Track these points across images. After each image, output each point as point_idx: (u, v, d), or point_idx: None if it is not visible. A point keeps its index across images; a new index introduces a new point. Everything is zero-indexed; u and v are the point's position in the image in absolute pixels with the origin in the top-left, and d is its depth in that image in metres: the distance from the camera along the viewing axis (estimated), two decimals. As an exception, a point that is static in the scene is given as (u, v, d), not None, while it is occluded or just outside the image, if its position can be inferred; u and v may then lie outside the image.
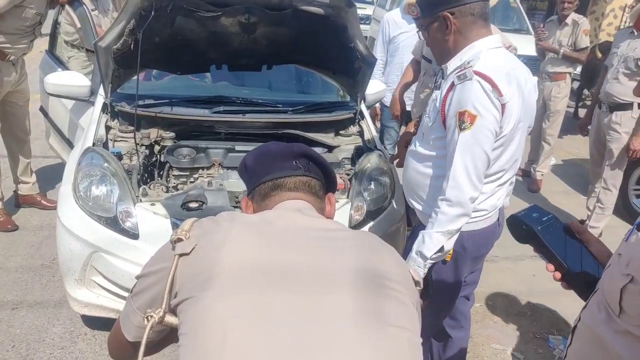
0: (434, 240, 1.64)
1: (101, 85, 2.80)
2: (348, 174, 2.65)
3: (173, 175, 2.60)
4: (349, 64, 2.86)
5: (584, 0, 7.22)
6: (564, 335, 2.83)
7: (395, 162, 2.43)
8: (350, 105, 3.10)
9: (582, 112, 7.45)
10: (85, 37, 3.80)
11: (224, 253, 0.90)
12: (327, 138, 2.92)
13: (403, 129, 3.81)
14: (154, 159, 2.65)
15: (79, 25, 3.76)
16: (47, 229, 3.43)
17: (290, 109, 2.89)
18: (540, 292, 3.19)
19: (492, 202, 1.77)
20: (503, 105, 1.55)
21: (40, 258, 3.14)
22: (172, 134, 2.72)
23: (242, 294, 0.86)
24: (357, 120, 3.02)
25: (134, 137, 2.56)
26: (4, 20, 3.13)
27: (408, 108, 3.77)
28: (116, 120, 2.75)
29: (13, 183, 3.76)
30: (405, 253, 1.77)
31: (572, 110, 7.52)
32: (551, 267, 1.16)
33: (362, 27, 3.12)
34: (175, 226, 2.11)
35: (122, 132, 2.69)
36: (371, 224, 2.40)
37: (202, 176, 2.60)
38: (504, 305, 3.10)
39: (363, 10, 9.69)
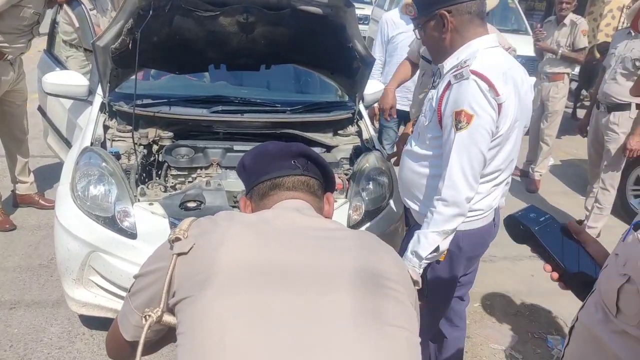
0: (430, 240, 1.63)
1: (99, 85, 2.80)
2: (346, 174, 2.65)
3: (171, 174, 2.59)
4: (348, 63, 2.86)
5: (582, 1, 7.24)
6: (562, 335, 2.83)
7: (393, 160, 2.43)
8: (348, 105, 3.11)
9: (580, 113, 7.48)
10: (83, 36, 3.79)
11: (222, 252, 0.90)
12: (326, 138, 2.92)
13: (401, 129, 3.83)
14: (152, 158, 2.65)
15: (77, 25, 3.75)
16: (45, 228, 3.43)
17: (288, 108, 2.89)
18: (538, 292, 3.20)
19: (488, 202, 1.76)
20: (500, 105, 1.55)
21: (38, 258, 3.13)
22: (171, 134, 2.72)
23: (240, 293, 0.86)
24: (355, 120, 3.02)
25: (132, 137, 2.56)
26: (2, 20, 3.12)
27: (400, 107, 3.77)
28: (114, 120, 2.75)
29: (11, 182, 3.76)
30: (400, 253, 1.77)
31: (570, 110, 7.54)
32: (548, 267, 1.16)
33: (361, 27, 3.11)
34: (173, 226, 2.11)
35: (120, 131, 2.68)
36: (369, 223, 2.40)
37: (201, 176, 2.60)
38: (502, 305, 3.10)
39: (361, 10, 9.71)
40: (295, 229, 0.99)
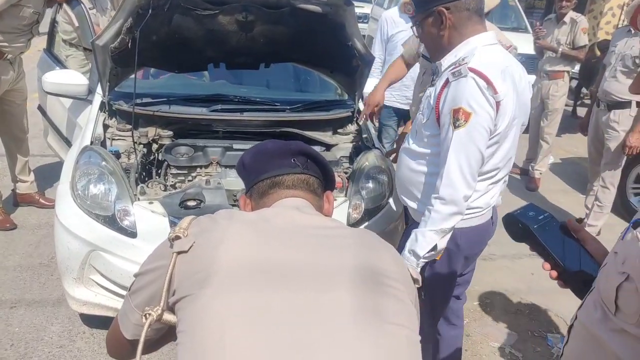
0: (427, 239, 1.63)
1: (99, 84, 2.80)
2: (346, 173, 2.65)
3: (171, 173, 2.59)
4: (347, 62, 2.86)
5: (582, -1, 7.23)
6: (562, 334, 2.83)
7: (392, 157, 2.42)
8: (348, 103, 3.11)
9: (580, 111, 7.48)
10: (83, 35, 3.79)
11: (222, 251, 0.90)
12: (325, 136, 2.92)
13: (400, 129, 3.83)
14: (151, 157, 2.65)
15: (76, 24, 3.76)
16: (45, 227, 3.43)
17: (288, 107, 2.89)
18: (538, 290, 3.20)
19: (486, 200, 1.76)
20: (498, 103, 1.54)
21: (39, 257, 3.13)
22: (170, 133, 2.72)
23: (240, 291, 0.86)
24: (355, 119, 3.02)
25: (132, 136, 2.56)
26: (2, 19, 3.12)
27: (399, 105, 3.77)
28: (114, 119, 2.75)
29: (11, 182, 3.76)
30: (398, 251, 1.76)
31: (570, 108, 7.53)
32: (547, 265, 1.16)
33: (360, 25, 3.11)
34: (173, 224, 2.11)
35: (120, 130, 2.69)
36: (369, 222, 2.40)
37: (200, 175, 2.60)
38: (502, 303, 3.10)
39: (361, 8, 9.68)
40: (295, 227, 0.99)
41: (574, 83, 7.13)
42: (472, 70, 1.53)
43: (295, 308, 0.86)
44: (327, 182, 1.20)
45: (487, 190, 1.74)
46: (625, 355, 0.97)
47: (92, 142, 2.50)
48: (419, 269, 1.67)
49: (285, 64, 3.26)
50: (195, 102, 2.83)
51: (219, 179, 2.46)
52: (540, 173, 4.97)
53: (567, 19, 4.62)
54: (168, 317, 0.93)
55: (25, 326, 2.56)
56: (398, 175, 1.90)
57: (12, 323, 2.58)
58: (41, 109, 3.72)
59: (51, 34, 3.95)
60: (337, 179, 2.42)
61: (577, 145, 6.14)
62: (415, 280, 1.03)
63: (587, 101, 7.64)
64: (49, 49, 3.90)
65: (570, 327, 1.13)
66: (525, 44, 5.39)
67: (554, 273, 1.15)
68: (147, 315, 0.92)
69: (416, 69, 2.92)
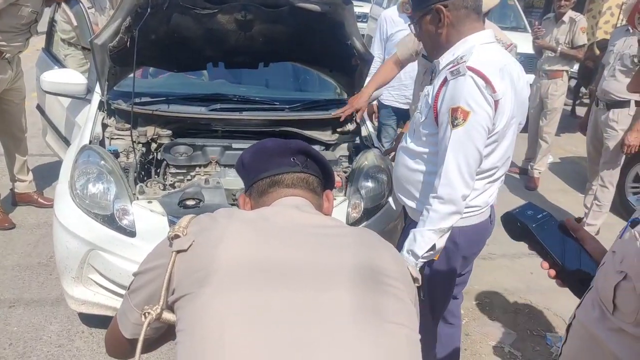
0: (426, 239, 1.63)
1: (98, 83, 2.79)
2: (345, 172, 2.65)
3: (170, 173, 2.59)
4: (346, 61, 2.86)
5: (580, -2, 7.23)
6: (561, 333, 2.84)
7: (391, 155, 2.42)
8: (347, 102, 3.10)
9: (579, 110, 7.48)
10: (81, 35, 3.79)
11: (221, 250, 0.90)
12: (325, 136, 2.92)
13: (399, 130, 3.83)
14: (150, 156, 2.65)
15: (75, 23, 3.76)
16: (44, 227, 3.42)
17: (287, 106, 2.89)
18: (537, 289, 3.20)
19: (484, 199, 1.76)
20: (496, 102, 1.54)
21: (37, 256, 3.13)
22: (169, 132, 2.72)
23: (240, 290, 0.86)
24: (354, 118, 3.02)
25: (131, 135, 2.55)
26: (0, 18, 3.12)
27: (398, 105, 3.77)
28: (113, 118, 2.75)
29: (10, 181, 3.76)
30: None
31: (569, 108, 7.54)
32: (546, 264, 1.17)
33: (360, 24, 3.11)
34: (172, 223, 2.11)
35: (118, 129, 2.68)
36: (368, 221, 2.40)
37: (199, 174, 2.60)
38: (501, 302, 3.10)
39: (360, 8, 9.67)
40: (295, 226, 0.99)
41: (573, 82, 7.14)
42: (470, 69, 1.52)
43: (294, 307, 0.85)
44: (326, 181, 1.19)
45: (485, 188, 1.74)
46: (623, 354, 0.97)
47: (90, 142, 2.50)
48: (417, 269, 1.67)
49: (284, 63, 3.25)
50: (194, 101, 2.83)
51: (218, 178, 2.46)
52: (540, 172, 4.98)
53: (566, 18, 4.63)
54: (167, 316, 0.93)
55: (23, 325, 2.56)
56: (395, 174, 1.89)
57: (10, 322, 2.57)
58: (40, 108, 3.72)
59: (50, 33, 3.94)
60: (337, 178, 2.42)
61: (576, 145, 6.14)
62: (415, 279, 1.03)
63: (586, 100, 7.65)
64: (48, 48, 3.89)
65: (569, 326, 1.13)
66: (524, 43, 5.39)
67: (553, 272, 1.16)
68: (147, 314, 0.92)
69: (415, 68, 2.92)
